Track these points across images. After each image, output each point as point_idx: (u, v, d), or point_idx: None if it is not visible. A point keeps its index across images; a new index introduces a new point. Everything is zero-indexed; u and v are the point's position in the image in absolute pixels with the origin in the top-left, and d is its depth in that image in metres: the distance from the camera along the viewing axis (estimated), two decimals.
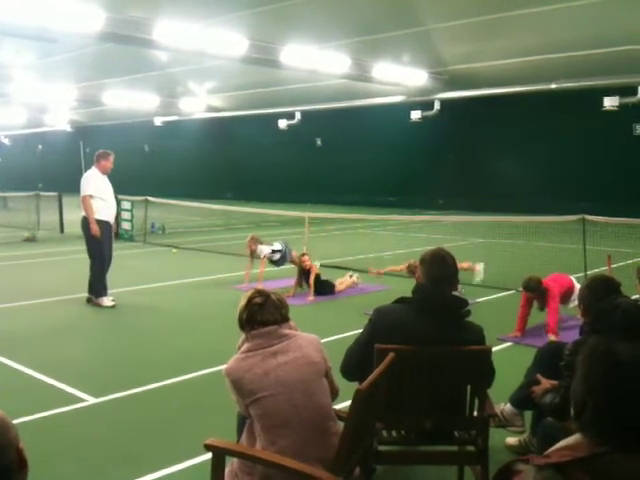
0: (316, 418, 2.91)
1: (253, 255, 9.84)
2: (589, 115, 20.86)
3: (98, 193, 8.59)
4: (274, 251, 9.92)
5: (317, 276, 9.25)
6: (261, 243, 9.86)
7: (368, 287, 9.75)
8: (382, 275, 9.76)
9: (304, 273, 9.31)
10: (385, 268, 9.93)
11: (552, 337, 6.49)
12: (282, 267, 10.20)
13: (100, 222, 8.55)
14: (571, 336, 4.13)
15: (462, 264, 9.95)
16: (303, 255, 9.38)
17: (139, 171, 35.18)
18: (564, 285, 7.05)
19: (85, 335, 7.42)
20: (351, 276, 9.92)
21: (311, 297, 8.99)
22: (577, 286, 6.90)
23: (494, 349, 3.54)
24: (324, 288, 9.35)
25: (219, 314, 8.14)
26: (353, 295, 9.40)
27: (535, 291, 6.79)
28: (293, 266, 9.90)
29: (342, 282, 9.73)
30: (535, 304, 6.97)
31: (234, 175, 34.46)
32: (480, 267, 9.64)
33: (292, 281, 9.39)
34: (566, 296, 7.02)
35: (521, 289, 7.04)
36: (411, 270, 8.44)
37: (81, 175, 8.95)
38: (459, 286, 8.47)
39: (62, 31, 12.65)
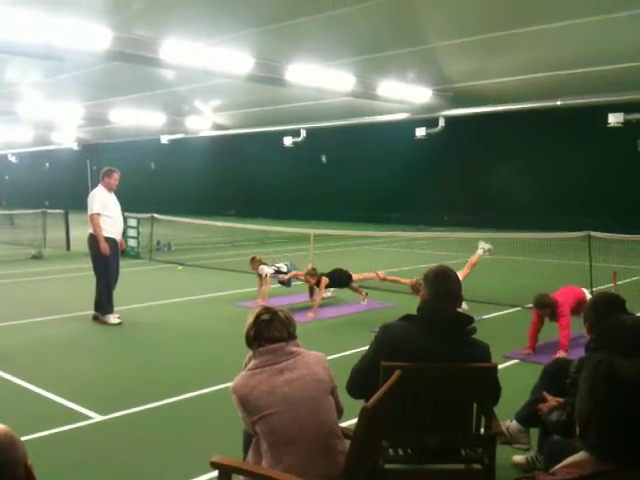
0: (322, 436, 2.91)
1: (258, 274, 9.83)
2: (594, 131, 20.89)
3: (104, 211, 8.64)
4: (277, 272, 9.82)
5: (328, 283, 9.28)
6: (263, 263, 9.73)
7: (374, 304, 9.74)
8: (385, 281, 9.52)
9: (311, 287, 9.35)
10: (391, 277, 9.67)
11: (562, 354, 6.45)
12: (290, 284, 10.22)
13: (107, 239, 8.59)
14: (579, 353, 4.12)
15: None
16: (306, 275, 9.34)
17: (145, 189, 35.32)
18: (575, 298, 6.99)
19: (91, 352, 7.43)
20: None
21: (311, 314, 8.95)
22: (588, 297, 6.84)
23: (500, 366, 3.54)
24: (340, 280, 9.44)
25: (225, 331, 8.15)
26: (359, 312, 9.39)
27: (547, 308, 6.76)
28: (303, 282, 9.82)
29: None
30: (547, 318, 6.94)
31: (239, 192, 34.56)
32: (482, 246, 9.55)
33: (299, 298, 9.38)
34: (578, 308, 6.91)
35: (528, 306, 7.00)
36: (416, 289, 8.32)
37: (88, 193, 9.01)
38: (463, 303, 8.45)
39: (69, 50, 12.76)
